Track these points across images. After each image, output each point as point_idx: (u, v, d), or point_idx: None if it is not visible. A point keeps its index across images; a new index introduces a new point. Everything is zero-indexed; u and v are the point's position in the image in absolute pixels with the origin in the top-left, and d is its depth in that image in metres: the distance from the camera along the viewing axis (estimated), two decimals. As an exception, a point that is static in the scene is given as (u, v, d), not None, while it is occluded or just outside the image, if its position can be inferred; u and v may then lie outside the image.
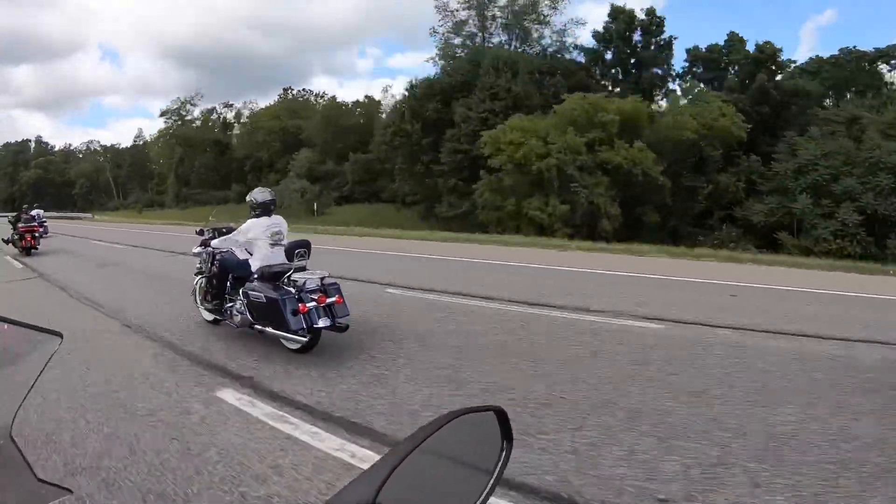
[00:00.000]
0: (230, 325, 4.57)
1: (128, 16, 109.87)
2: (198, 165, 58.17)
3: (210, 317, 5.01)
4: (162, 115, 62.40)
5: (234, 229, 4.84)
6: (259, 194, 4.65)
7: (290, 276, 4.13)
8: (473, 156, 28.06)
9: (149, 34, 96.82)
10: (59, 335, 0.94)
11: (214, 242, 4.75)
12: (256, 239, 4.47)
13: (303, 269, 4.25)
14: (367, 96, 56.63)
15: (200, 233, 5.30)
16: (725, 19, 69.91)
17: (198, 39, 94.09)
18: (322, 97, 59.14)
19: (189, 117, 61.52)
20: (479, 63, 31.35)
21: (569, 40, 36.02)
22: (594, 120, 25.76)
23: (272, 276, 4.24)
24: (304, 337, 3.95)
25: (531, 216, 23.69)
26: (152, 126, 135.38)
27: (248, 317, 4.25)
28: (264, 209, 4.56)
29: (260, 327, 4.17)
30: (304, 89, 64.09)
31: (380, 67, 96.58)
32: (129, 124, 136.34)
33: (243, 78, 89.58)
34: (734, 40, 35.56)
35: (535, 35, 35.54)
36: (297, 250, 4.24)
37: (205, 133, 60.34)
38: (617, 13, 37.01)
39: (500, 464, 0.82)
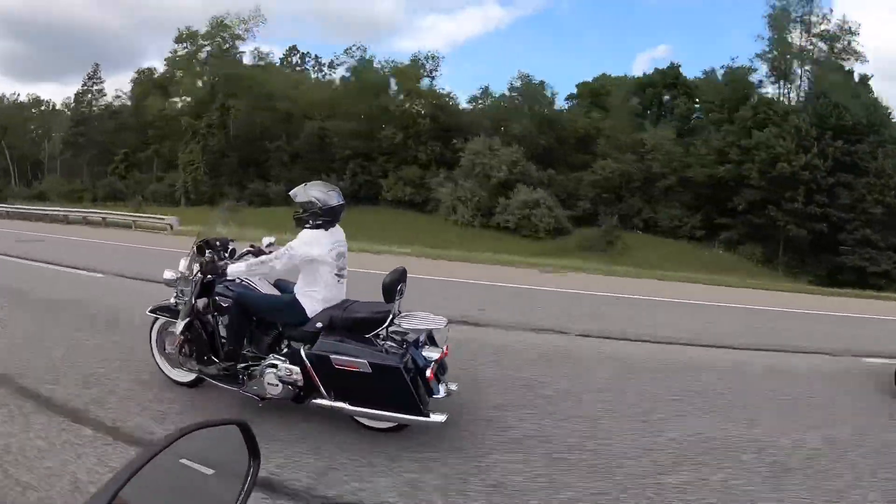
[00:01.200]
0: (247, 394, 2.96)
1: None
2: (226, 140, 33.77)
3: (185, 377, 3.29)
4: (180, 40, 33.70)
5: (229, 242, 3.37)
6: (323, 192, 2.95)
7: (388, 326, 2.79)
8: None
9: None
10: None
11: (235, 268, 3.00)
12: (320, 264, 2.90)
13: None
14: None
15: (200, 251, 3.20)
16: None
17: (25, 5, 62.72)
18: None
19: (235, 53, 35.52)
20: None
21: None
22: None
23: (358, 326, 2.80)
24: (439, 418, 2.66)
25: None
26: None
27: (294, 388, 2.83)
28: (330, 218, 2.96)
29: (328, 403, 2.75)
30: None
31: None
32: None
33: (75, 55, 66.19)
34: None
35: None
36: (400, 285, 2.87)
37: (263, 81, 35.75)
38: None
39: (248, 479, 0.82)
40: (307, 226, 2.92)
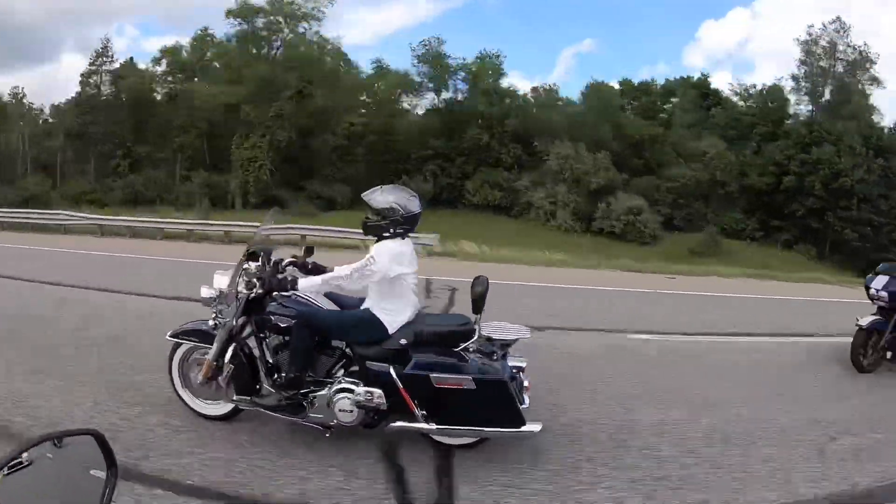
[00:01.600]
0: (309, 424, 2.66)
1: None
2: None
3: (217, 411, 2.90)
4: (233, 15, 26.96)
5: (272, 252, 2.89)
6: (404, 198, 2.68)
7: (476, 338, 2.62)
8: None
9: None
10: None
11: (308, 283, 2.66)
12: (402, 276, 2.66)
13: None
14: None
15: (263, 264, 2.76)
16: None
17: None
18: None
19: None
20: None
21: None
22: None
23: (444, 340, 2.62)
24: (535, 427, 2.54)
25: None
26: None
27: (370, 413, 2.58)
28: (410, 226, 2.71)
29: (416, 426, 2.56)
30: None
31: (136, 50, 74.82)
32: None
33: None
34: None
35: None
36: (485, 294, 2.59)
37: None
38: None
39: (106, 488, 0.83)
40: (386, 235, 2.66)
